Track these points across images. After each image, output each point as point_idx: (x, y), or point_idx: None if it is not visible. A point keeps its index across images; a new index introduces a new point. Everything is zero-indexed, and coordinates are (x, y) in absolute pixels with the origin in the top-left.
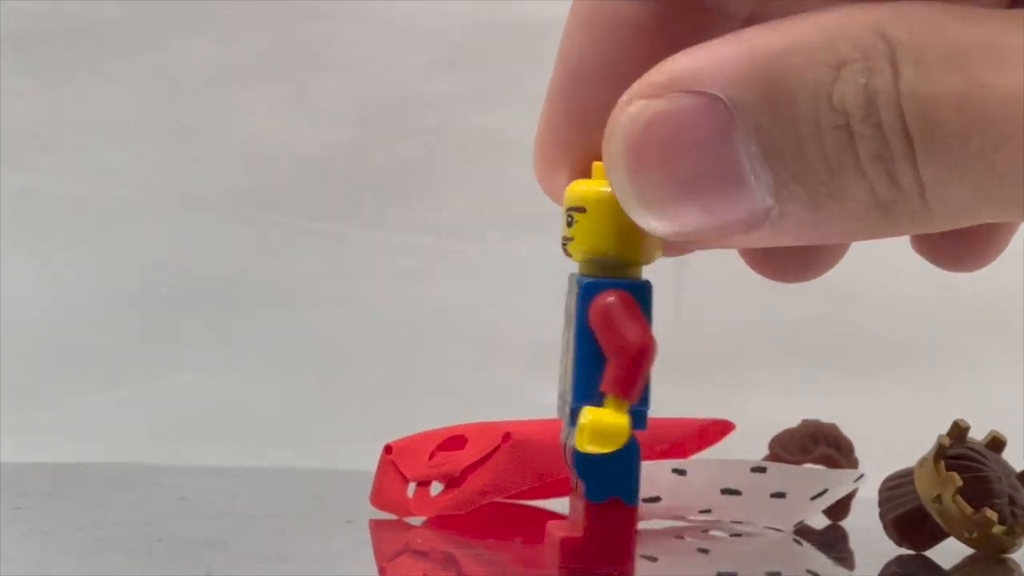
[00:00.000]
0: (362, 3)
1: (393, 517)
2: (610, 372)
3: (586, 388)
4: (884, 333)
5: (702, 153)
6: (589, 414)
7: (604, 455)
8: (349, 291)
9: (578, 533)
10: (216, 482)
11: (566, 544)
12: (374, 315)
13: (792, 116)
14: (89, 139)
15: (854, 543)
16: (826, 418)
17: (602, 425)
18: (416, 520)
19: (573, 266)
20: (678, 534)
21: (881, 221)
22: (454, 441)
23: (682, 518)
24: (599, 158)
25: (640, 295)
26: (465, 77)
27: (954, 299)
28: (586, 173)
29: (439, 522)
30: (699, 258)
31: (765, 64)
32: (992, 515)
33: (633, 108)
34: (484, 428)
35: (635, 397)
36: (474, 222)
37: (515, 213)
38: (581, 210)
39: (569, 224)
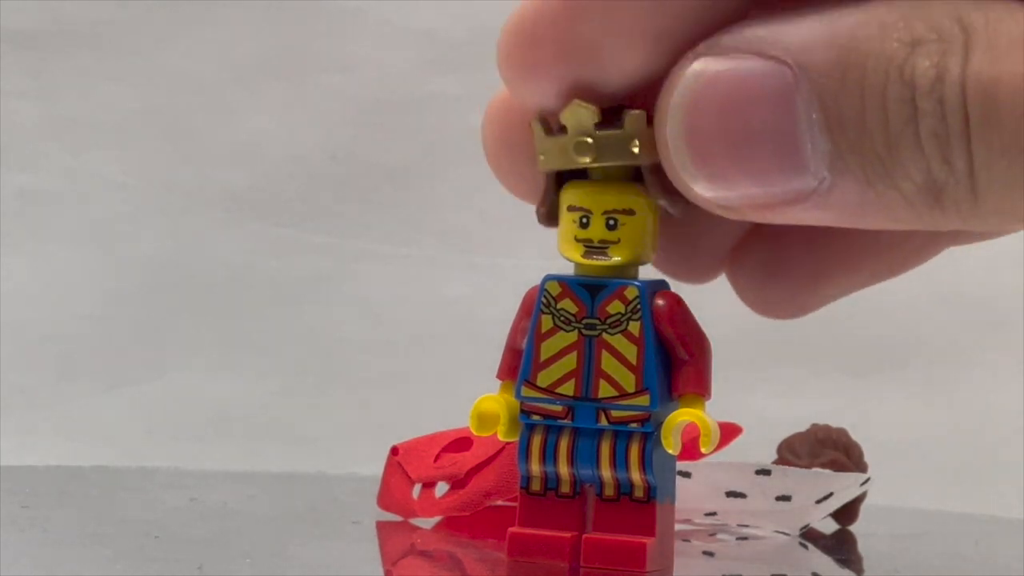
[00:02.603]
0: (362, 3)
1: (399, 519)
2: (696, 372)
3: (665, 391)
4: (884, 334)
5: (761, 114)
6: (704, 417)
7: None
8: (349, 291)
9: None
10: (218, 483)
11: (513, 538)
12: (374, 315)
13: (860, 84)
14: (89, 139)
15: (863, 548)
16: (825, 419)
17: (714, 426)
18: (428, 522)
19: (569, 267)
20: (684, 537)
21: (928, 207)
22: (460, 443)
23: (688, 521)
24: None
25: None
26: (465, 77)
27: (955, 300)
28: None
29: (450, 524)
30: None
31: (838, 33)
32: None
33: (698, 64)
34: None
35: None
36: (474, 222)
37: (514, 213)
38: (629, 212)
39: (612, 227)
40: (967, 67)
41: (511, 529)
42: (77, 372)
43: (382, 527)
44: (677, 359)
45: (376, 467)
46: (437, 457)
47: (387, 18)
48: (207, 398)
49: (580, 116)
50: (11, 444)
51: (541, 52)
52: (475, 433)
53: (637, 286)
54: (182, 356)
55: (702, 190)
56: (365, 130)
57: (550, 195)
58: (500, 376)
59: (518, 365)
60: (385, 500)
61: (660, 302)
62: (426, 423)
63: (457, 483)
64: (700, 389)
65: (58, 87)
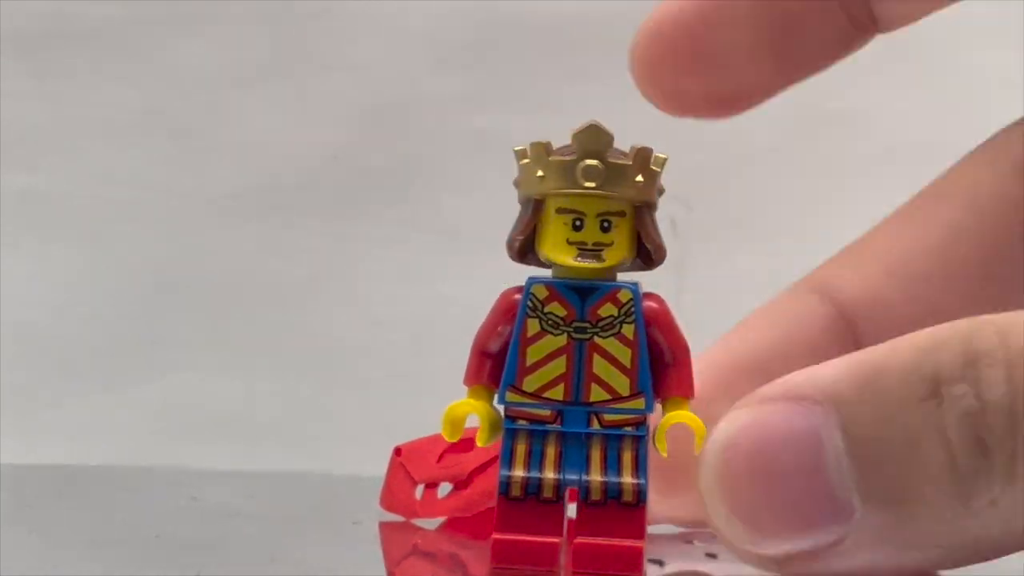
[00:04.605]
0: (362, 3)
1: (402, 519)
2: (683, 375)
3: (652, 393)
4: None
5: (789, 455)
6: (696, 419)
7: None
8: (349, 291)
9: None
10: (220, 483)
11: (497, 545)
12: (374, 315)
13: (884, 404)
14: (89, 139)
15: None
16: None
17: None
18: (430, 523)
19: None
20: (687, 538)
21: (960, 517)
22: (463, 443)
23: None
24: None
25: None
26: (465, 77)
27: None
28: None
29: (453, 525)
30: (698, 259)
31: (864, 368)
32: None
33: (732, 413)
34: None
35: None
36: (474, 222)
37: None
38: (621, 215)
39: (606, 229)
40: (985, 394)
41: (494, 535)
42: (77, 372)
43: (384, 527)
44: (663, 362)
45: (378, 467)
46: (440, 457)
47: (388, 18)
48: (207, 398)
49: (599, 138)
50: (11, 444)
51: (671, 57)
52: (447, 440)
53: (631, 289)
54: (182, 356)
55: (740, 541)
56: (366, 130)
57: (531, 224)
58: (468, 382)
59: (487, 369)
60: (388, 500)
61: (651, 305)
62: (427, 423)
63: (460, 484)
64: (686, 391)
65: (59, 87)
